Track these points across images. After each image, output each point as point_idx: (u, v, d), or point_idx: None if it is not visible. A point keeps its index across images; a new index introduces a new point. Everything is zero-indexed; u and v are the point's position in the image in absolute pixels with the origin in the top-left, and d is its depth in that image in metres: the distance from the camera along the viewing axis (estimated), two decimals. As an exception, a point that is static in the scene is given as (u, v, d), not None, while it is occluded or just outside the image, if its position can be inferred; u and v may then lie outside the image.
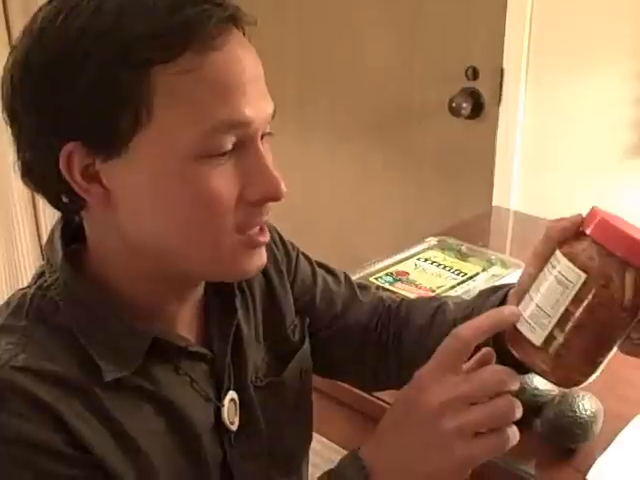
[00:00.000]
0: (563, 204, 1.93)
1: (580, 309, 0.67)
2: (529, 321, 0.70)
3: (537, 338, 0.69)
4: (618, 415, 1.16)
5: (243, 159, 0.73)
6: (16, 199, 2.77)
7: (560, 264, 0.69)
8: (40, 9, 0.72)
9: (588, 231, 0.68)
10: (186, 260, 0.76)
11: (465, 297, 1.36)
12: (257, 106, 0.73)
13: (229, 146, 0.72)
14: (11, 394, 0.69)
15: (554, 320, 0.68)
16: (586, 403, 1.09)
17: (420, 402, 0.69)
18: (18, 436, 0.68)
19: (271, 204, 0.77)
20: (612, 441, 1.11)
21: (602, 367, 0.70)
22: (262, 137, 0.76)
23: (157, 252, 0.75)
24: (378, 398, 1.23)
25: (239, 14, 0.73)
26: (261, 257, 0.79)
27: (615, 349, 0.70)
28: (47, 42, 0.69)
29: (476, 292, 1.37)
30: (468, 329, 0.70)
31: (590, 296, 0.66)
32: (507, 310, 0.72)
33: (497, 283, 1.42)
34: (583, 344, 0.68)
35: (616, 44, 1.79)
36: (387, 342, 1.02)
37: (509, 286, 0.86)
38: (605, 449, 1.10)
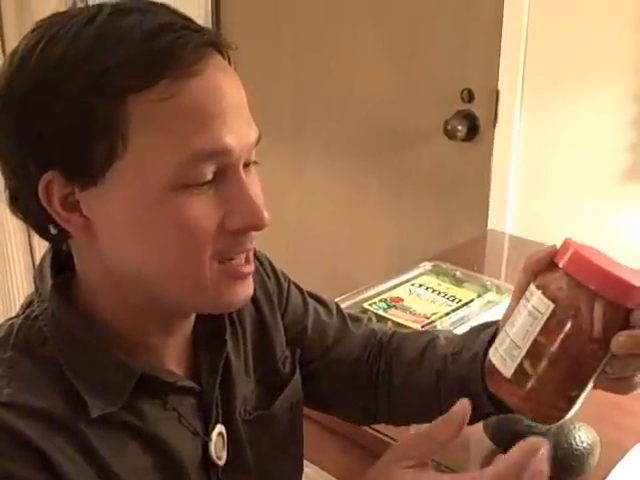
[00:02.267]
0: (559, 227, 1.92)
1: (549, 340, 0.67)
2: (503, 355, 0.69)
3: (507, 370, 0.69)
4: (615, 445, 1.14)
5: (224, 188, 0.72)
6: (10, 223, 2.76)
7: (533, 296, 0.69)
8: (24, 37, 0.71)
9: (560, 263, 0.68)
10: (167, 290, 0.74)
11: (460, 323, 1.35)
12: (238, 134, 0.71)
13: (209, 176, 0.70)
14: None
15: (523, 351, 0.68)
16: (582, 434, 1.07)
17: None
18: (2, 474, 0.66)
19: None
20: (609, 473, 1.09)
21: (579, 402, 0.69)
22: (247, 165, 0.75)
23: (138, 281, 0.74)
24: (372, 429, 1.21)
25: (218, 39, 0.72)
26: (246, 288, 0.77)
27: (591, 384, 0.69)
28: (27, 70, 0.69)
29: (471, 319, 1.37)
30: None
31: (558, 327, 0.66)
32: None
33: (492, 309, 1.41)
34: (554, 377, 0.68)
35: (612, 66, 1.79)
36: (378, 375, 1.00)
37: (498, 324, 0.86)
38: (602, 481, 1.08)
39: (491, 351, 0.73)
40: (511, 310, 0.74)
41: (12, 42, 2.66)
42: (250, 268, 0.77)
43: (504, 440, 1.11)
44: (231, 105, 0.71)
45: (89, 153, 0.68)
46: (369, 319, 1.10)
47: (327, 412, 1.08)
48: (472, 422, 0.96)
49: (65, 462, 0.69)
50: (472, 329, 0.94)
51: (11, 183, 0.74)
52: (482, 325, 0.92)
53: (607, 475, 1.09)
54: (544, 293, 0.68)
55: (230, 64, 0.74)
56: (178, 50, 0.68)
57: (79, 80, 0.67)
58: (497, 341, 0.72)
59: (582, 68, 1.84)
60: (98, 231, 0.72)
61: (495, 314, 1.40)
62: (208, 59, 0.70)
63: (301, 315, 1.01)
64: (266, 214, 0.73)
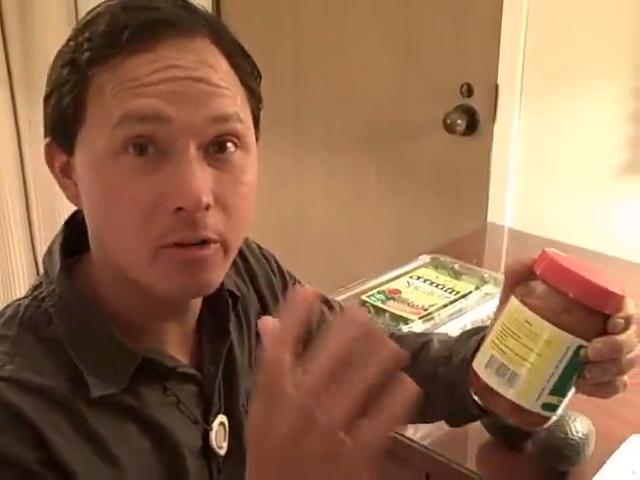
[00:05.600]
0: (558, 221, 1.93)
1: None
2: (486, 364, 0.71)
3: (490, 379, 0.70)
4: (610, 435, 1.14)
5: (164, 165, 0.70)
6: (10, 212, 2.77)
7: (512, 306, 0.71)
8: None
9: (537, 271, 0.70)
10: (123, 266, 0.75)
11: (458, 315, 1.36)
12: (185, 105, 0.70)
13: (144, 140, 0.70)
14: None
15: (505, 360, 0.69)
16: (578, 425, 1.07)
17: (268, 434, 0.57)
18: None
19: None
20: (605, 463, 1.10)
21: (562, 407, 0.70)
22: (224, 148, 0.73)
23: (105, 252, 0.77)
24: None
25: (177, 20, 0.73)
26: (200, 274, 0.73)
27: (573, 389, 0.70)
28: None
29: (469, 311, 1.37)
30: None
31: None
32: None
33: (490, 301, 1.41)
34: None
35: (611, 61, 1.79)
36: None
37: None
38: (598, 471, 1.09)
39: (475, 360, 0.74)
40: (495, 320, 0.75)
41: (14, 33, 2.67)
42: (202, 253, 0.72)
43: (499, 428, 1.12)
44: (183, 78, 0.70)
45: (65, 120, 0.74)
46: (371, 318, 1.10)
47: None
48: (460, 424, 0.98)
49: (60, 440, 0.70)
50: (463, 333, 0.96)
51: None
52: (474, 329, 0.94)
53: (602, 465, 1.10)
54: (522, 302, 0.69)
55: (219, 44, 0.74)
56: (136, 27, 0.71)
57: (64, 55, 0.74)
58: (481, 350, 0.73)
59: (581, 63, 1.84)
60: (82, 197, 0.77)
61: (493, 306, 1.40)
62: (160, 38, 0.71)
63: None
64: (204, 197, 0.69)
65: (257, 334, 0.93)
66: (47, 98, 0.76)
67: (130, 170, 0.70)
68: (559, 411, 0.70)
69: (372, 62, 2.30)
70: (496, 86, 2.00)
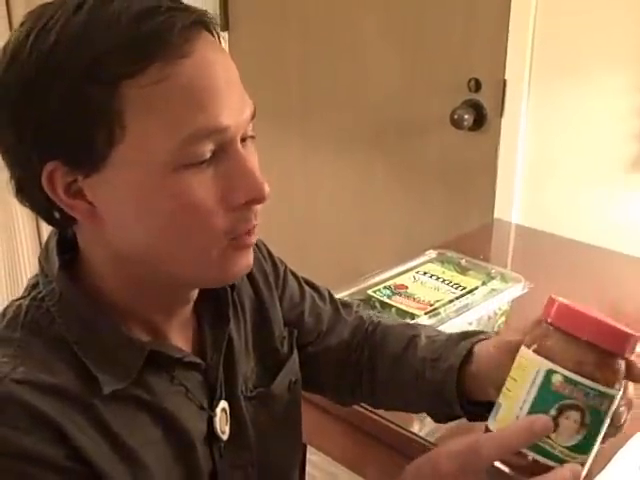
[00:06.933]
0: (565, 217, 1.92)
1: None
2: (501, 424, 0.67)
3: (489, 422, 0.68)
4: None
5: (223, 164, 0.72)
6: (17, 205, 2.77)
7: (526, 356, 0.68)
8: (14, 31, 0.72)
9: (548, 318, 0.67)
10: (174, 268, 0.76)
11: (464, 310, 1.35)
12: (233, 110, 0.72)
13: (207, 154, 0.71)
14: (10, 407, 0.68)
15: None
16: (584, 421, 1.07)
17: None
18: (15, 449, 0.67)
19: (263, 211, 0.77)
20: (610, 459, 1.10)
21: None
22: (245, 140, 0.76)
23: (144, 261, 0.75)
24: (373, 412, 1.22)
25: (205, 18, 0.73)
26: (247, 258, 0.79)
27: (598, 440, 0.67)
28: (20, 63, 0.69)
29: (475, 306, 1.37)
30: (493, 448, 0.64)
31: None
32: (540, 423, 0.64)
33: (496, 297, 1.41)
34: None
35: (619, 55, 1.79)
36: (362, 363, 1.03)
37: (477, 337, 0.90)
38: (603, 468, 1.08)
39: (490, 420, 0.69)
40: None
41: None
42: (252, 239, 0.78)
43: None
44: (223, 83, 0.71)
45: (89, 141, 0.69)
46: (358, 305, 1.12)
47: (320, 394, 1.10)
48: (443, 422, 0.98)
49: (81, 436, 0.70)
50: (452, 336, 0.96)
51: (15, 173, 0.75)
52: (460, 335, 0.94)
53: (608, 462, 1.09)
54: (536, 351, 0.66)
55: (220, 42, 0.75)
56: (166, 33, 0.68)
57: (71, 69, 0.67)
58: (495, 409, 0.69)
59: (589, 57, 1.84)
60: (104, 216, 0.73)
61: (499, 302, 1.40)
62: (196, 39, 0.70)
63: (298, 300, 1.04)
64: (267, 186, 0.74)
65: (251, 320, 0.95)
66: (41, 125, 0.69)
67: (192, 176, 0.71)
68: (538, 451, 0.64)
69: (379, 57, 2.30)
70: (504, 81, 2.00)
